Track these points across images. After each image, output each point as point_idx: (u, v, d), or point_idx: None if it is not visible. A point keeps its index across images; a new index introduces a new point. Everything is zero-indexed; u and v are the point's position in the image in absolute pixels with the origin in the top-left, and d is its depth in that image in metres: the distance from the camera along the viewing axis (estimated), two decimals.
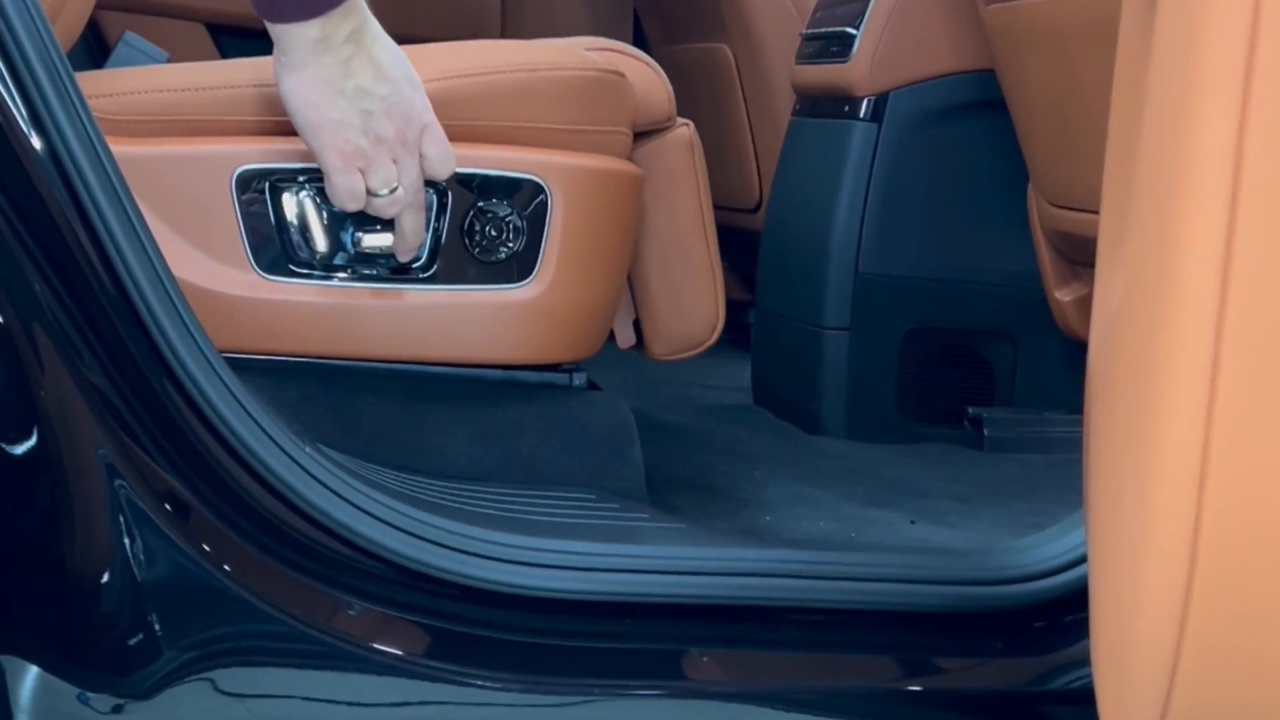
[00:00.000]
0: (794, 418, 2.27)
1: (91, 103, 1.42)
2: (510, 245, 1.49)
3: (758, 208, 2.68)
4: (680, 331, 1.79)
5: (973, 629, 1.37)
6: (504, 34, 3.15)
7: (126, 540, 1.20)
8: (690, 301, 1.78)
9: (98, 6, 3.00)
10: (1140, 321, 0.81)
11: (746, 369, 2.44)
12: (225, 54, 2.92)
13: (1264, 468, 0.77)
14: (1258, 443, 0.77)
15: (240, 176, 1.43)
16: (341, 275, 1.46)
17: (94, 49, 2.89)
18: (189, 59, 1.92)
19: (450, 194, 1.48)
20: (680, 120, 1.77)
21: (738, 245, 2.58)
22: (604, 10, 3.20)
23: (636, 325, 1.81)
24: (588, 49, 1.61)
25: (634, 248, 1.62)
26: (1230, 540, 0.78)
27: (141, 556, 1.21)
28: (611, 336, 1.82)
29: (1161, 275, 0.79)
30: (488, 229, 1.48)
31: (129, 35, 1.89)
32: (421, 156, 1.44)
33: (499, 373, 1.53)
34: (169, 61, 1.83)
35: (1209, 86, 0.76)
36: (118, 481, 1.21)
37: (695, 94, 2.84)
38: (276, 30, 1.38)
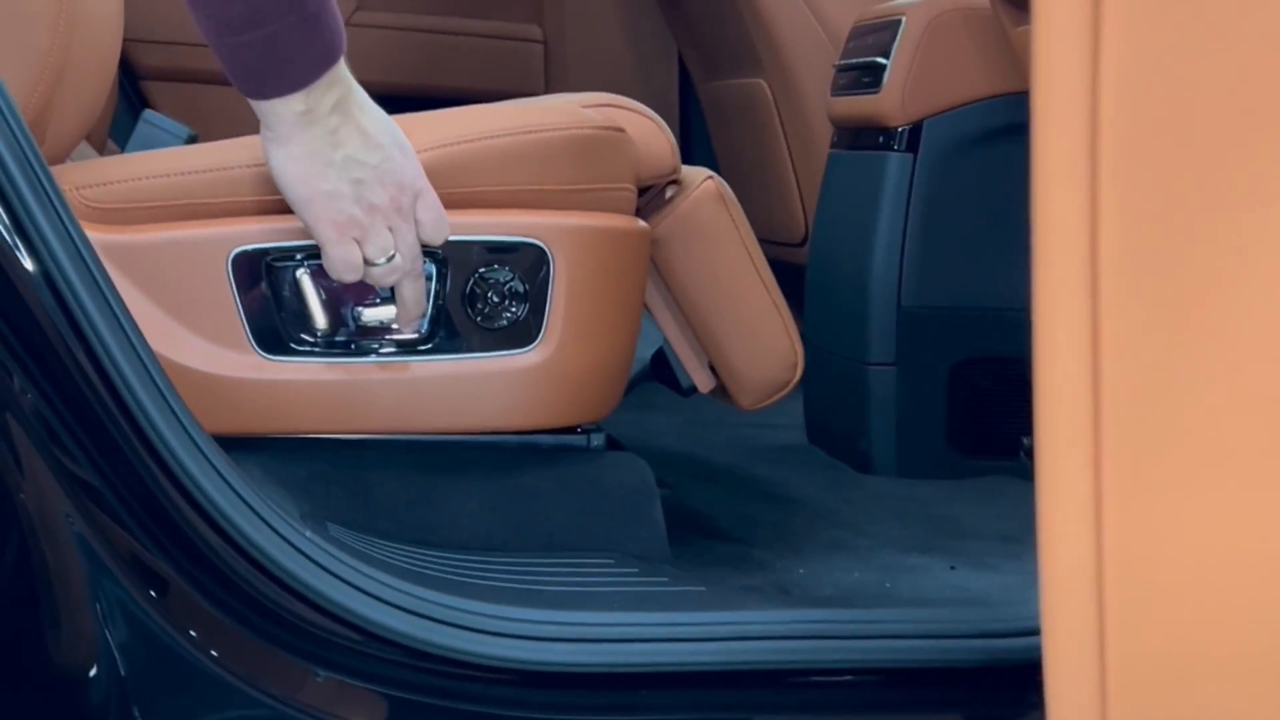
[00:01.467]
0: (845, 456, 2.22)
1: (86, 193, 1.42)
2: (514, 310, 1.46)
3: (804, 241, 2.64)
4: (762, 379, 1.77)
5: (1001, 683, 1.32)
6: (548, 81, 3.14)
7: (111, 631, 1.19)
8: (763, 348, 1.76)
9: (144, 78, 3.05)
10: (1037, 359, 0.80)
11: (802, 405, 2.40)
12: None
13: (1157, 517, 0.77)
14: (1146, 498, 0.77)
15: (236, 258, 1.42)
16: (344, 351, 1.44)
17: None
18: (235, 125, 1.91)
19: (450, 262, 1.46)
20: (704, 172, 1.74)
21: (789, 279, 2.53)
22: (647, 50, 3.18)
23: (713, 368, 1.78)
24: (586, 105, 1.58)
25: (642, 304, 1.59)
26: (1133, 593, 0.79)
27: (130, 646, 1.19)
28: (687, 385, 1.78)
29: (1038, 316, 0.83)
30: (490, 295, 1.46)
31: (148, 113, 1.89)
32: (416, 222, 1.42)
33: (514, 438, 1.50)
34: (197, 136, 1.83)
35: None
36: (103, 569, 1.20)
37: (737, 129, 2.81)
38: (260, 107, 1.36)
